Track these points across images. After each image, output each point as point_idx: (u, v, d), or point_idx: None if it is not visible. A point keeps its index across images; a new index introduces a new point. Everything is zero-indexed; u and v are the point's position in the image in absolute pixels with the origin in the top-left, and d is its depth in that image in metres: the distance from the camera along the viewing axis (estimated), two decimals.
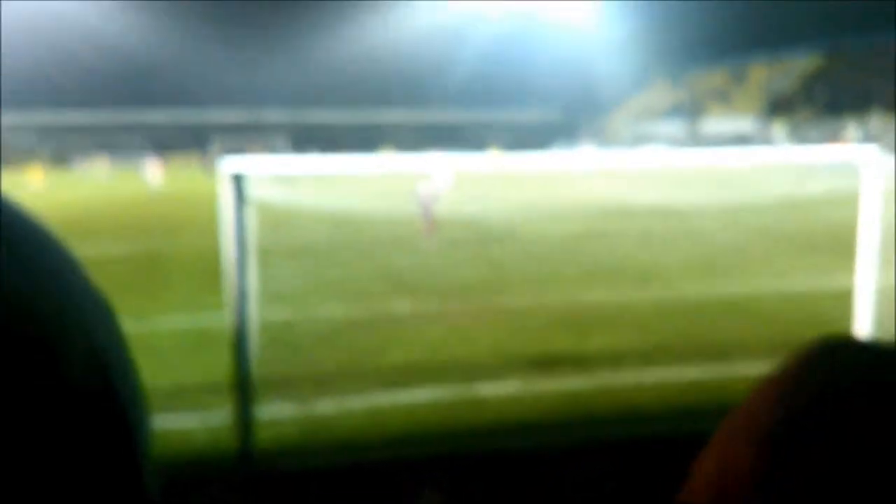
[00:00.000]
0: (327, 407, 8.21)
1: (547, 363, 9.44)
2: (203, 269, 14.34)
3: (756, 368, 9.02)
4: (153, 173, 46.25)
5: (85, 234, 21.41)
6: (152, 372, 8.76)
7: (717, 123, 73.40)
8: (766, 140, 62.80)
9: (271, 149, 75.01)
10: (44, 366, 0.37)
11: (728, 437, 0.63)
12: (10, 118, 76.25)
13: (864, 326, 6.54)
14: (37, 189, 40.60)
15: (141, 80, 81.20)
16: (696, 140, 69.73)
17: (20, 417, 0.35)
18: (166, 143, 76.32)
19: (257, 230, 7.56)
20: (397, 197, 21.92)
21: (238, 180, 7.13)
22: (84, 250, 18.48)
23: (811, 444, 0.57)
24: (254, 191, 7.37)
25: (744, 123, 70.21)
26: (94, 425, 0.39)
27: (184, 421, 7.63)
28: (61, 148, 74.51)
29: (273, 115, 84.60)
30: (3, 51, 74.42)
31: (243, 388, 7.01)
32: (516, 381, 8.82)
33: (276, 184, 15.86)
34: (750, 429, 0.61)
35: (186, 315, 11.83)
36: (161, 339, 10.46)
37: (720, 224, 19.18)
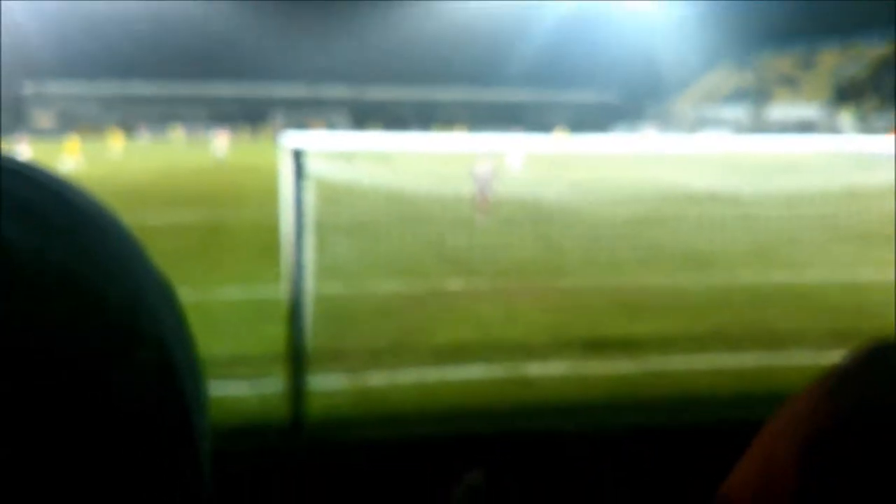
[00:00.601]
0: (378, 380, 8.34)
1: (598, 346, 9.45)
2: (262, 242, 14.57)
3: (809, 358, 8.94)
4: (220, 145, 47.12)
5: (153, 203, 21.84)
6: (210, 340, 8.99)
7: (782, 109, 71.98)
8: (832, 128, 61.46)
9: (331, 124, 75.44)
10: (115, 356, 0.37)
11: (773, 436, 0.62)
12: (77, 88, 77.83)
13: None
14: (116, 156, 41.39)
15: (205, 54, 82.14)
16: (761, 126, 68.46)
17: (90, 405, 0.35)
18: (228, 115, 77.20)
19: (315, 205, 7.69)
20: (456, 176, 21.96)
21: (298, 155, 7.26)
22: (151, 219, 18.90)
23: (857, 449, 0.56)
24: (313, 166, 7.50)
25: (810, 110, 68.76)
26: (159, 414, 0.39)
27: (238, 389, 7.81)
28: (126, 119, 75.86)
29: (334, 90, 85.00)
30: (70, 22, 75.89)
31: (297, 359, 7.15)
32: (565, 362, 8.85)
33: (335, 159, 15.98)
34: (796, 429, 0.60)
35: (245, 286, 12.05)
36: (220, 309, 10.69)
37: (780, 212, 18.88)
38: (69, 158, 38.29)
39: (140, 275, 0.42)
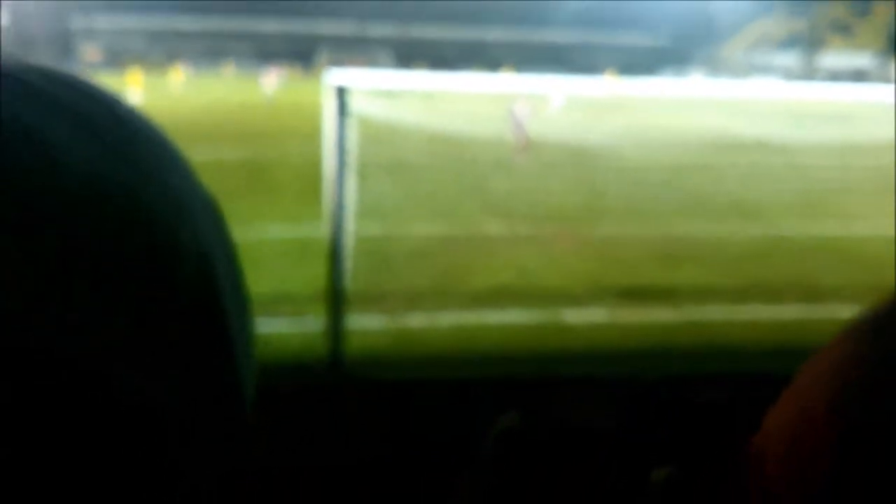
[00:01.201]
0: (416, 321, 8.43)
1: (637, 294, 9.43)
2: (306, 179, 14.65)
3: (852, 312, 8.84)
4: (269, 82, 47.31)
5: (202, 138, 21.99)
6: (252, 278, 9.09)
7: (835, 57, 70.25)
8: (885, 78, 59.93)
9: (375, 63, 75.02)
10: (155, 267, 0.37)
11: (805, 387, 0.61)
12: (125, 22, 78.03)
13: None
14: (175, 90, 41.88)
15: None
16: (812, 73, 66.97)
17: (129, 314, 0.36)
18: (275, 52, 77.05)
19: (358, 144, 7.71)
20: (499, 117, 21.83)
21: (341, 93, 7.25)
22: (199, 154, 18.98)
23: (890, 398, 0.53)
24: (356, 104, 7.49)
25: (864, 59, 67.05)
26: (198, 334, 0.40)
27: (280, 325, 7.93)
28: (173, 53, 76.05)
29: (379, 28, 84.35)
30: None
31: (336, 299, 7.24)
32: (603, 309, 8.86)
33: (378, 98, 15.94)
34: (829, 379, 0.58)
35: (287, 225, 12.15)
36: (262, 247, 10.81)
37: (829, 161, 18.58)
38: (134, 90, 38.44)
39: (187, 191, 0.43)
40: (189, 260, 0.40)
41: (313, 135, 15.72)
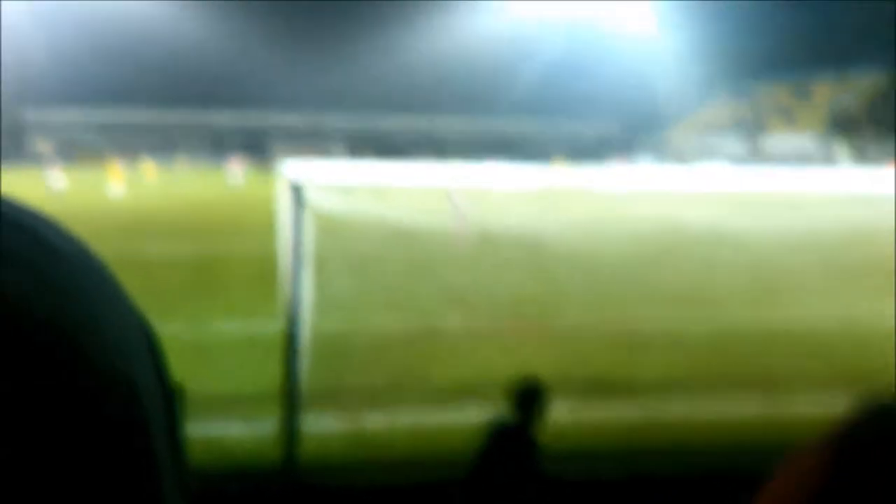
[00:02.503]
0: (374, 421, 8.23)
1: (597, 388, 9.35)
2: (259, 274, 14.49)
3: (811, 402, 8.83)
4: (234, 172, 51.09)
5: (161, 232, 21.83)
6: (203, 378, 8.87)
7: (779, 141, 72.32)
8: (828, 159, 61.70)
9: (329, 153, 75.59)
10: (78, 402, 0.37)
11: (776, 496, 0.61)
12: (77, 115, 78.03)
13: None
14: (151, 185, 41.98)
15: (203, 82, 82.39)
16: (758, 157, 68.74)
17: (57, 451, 0.35)
18: (226, 143, 77.37)
19: (313, 237, 7.62)
20: (450, 208, 21.99)
21: (297, 189, 7.20)
22: (154, 248, 18.85)
23: None
24: (311, 196, 7.43)
25: (806, 141, 69.11)
26: (121, 467, 0.39)
27: (232, 428, 7.69)
28: (124, 145, 76.02)
29: (332, 119, 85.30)
30: (67, 46, 76.28)
31: (291, 399, 7.05)
32: (565, 404, 8.73)
33: (332, 190, 15.95)
34: (800, 491, 0.59)
35: (241, 321, 11.95)
36: (215, 345, 10.59)
37: (779, 249, 18.87)
38: (116, 184, 38.84)
39: (115, 316, 0.42)
40: (114, 389, 0.39)
41: (264, 227, 15.72)
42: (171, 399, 0.46)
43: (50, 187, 36.15)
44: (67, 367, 0.37)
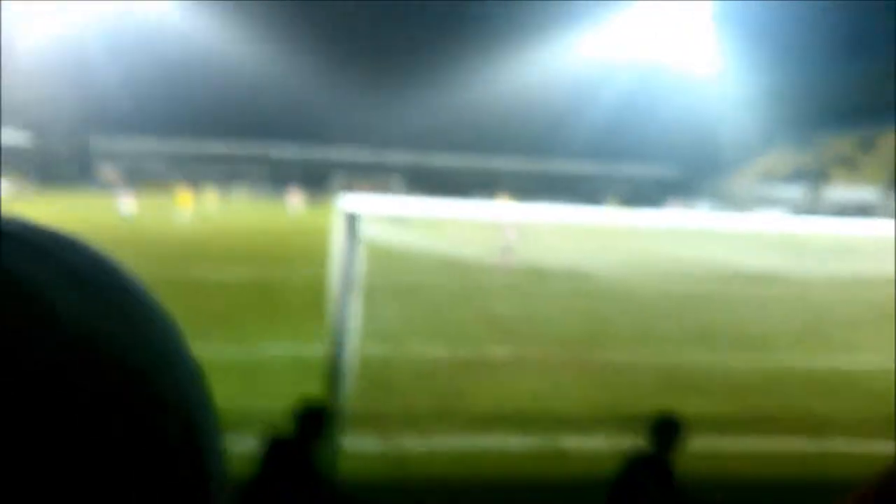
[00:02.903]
0: (414, 445, 8.32)
1: (638, 423, 9.31)
2: (313, 301, 14.73)
3: (859, 447, 8.72)
4: (294, 202, 53.82)
5: (224, 258, 22.25)
6: (251, 395, 9.06)
7: (841, 191, 71.18)
8: (889, 212, 60.53)
9: (388, 188, 76.31)
10: (140, 414, 0.40)
11: None
12: (143, 145, 79.99)
13: None
14: (213, 212, 42.99)
15: (267, 115, 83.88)
16: (818, 207, 67.69)
17: (115, 460, 0.38)
18: (288, 175, 78.51)
19: (366, 266, 7.79)
20: (501, 244, 22.12)
21: (352, 219, 7.38)
22: (213, 272, 19.23)
23: None
24: (367, 229, 7.61)
25: (869, 193, 67.93)
26: (181, 486, 0.42)
27: None
28: (187, 174, 77.78)
29: (392, 155, 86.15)
30: (134, 77, 78.32)
31: (333, 421, 7.19)
32: (604, 437, 8.74)
33: (387, 223, 16.19)
34: None
35: (291, 343, 12.15)
36: (265, 365, 10.79)
37: (834, 296, 18.61)
38: (184, 210, 40.91)
39: (171, 349, 0.45)
40: (172, 410, 0.42)
41: (319, 256, 16.01)
42: (217, 426, 0.49)
43: (121, 213, 37.95)
44: (129, 380, 0.40)
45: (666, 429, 5.62)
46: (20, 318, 0.36)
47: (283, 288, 18.09)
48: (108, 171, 76.67)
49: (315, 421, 5.61)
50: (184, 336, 0.48)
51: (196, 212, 42.54)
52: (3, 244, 0.39)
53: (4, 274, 0.37)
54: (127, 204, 38.88)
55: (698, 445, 8.82)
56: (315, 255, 22.78)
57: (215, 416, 0.49)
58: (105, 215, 36.81)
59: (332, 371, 7.31)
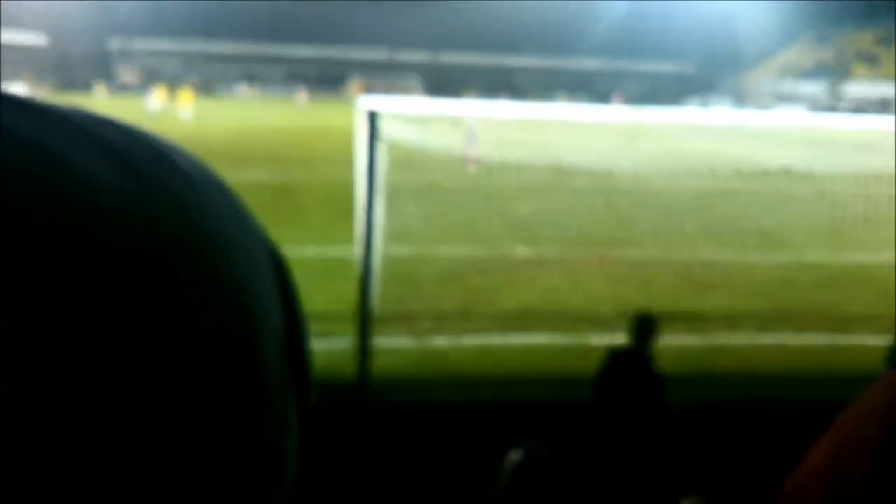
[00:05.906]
0: (442, 343, 8.52)
1: (662, 318, 9.46)
2: (336, 201, 14.82)
3: (879, 341, 8.85)
4: (301, 99, 58.04)
5: (234, 161, 22.30)
6: None
7: (861, 86, 70.02)
8: None
9: (405, 88, 75.59)
10: (182, 289, 0.35)
11: (851, 426, 0.62)
12: (160, 45, 79.17)
13: None
14: (188, 115, 42.88)
15: (284, 16, 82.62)
16: (838, 103, 66.75)
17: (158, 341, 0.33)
18: (304, 76, 77.85)
19: (387, 167, 7.84)
20: (525, 143, 22.02)
21: (373, 118, 7.40)
22: (234, 176, 19.28)
23: None
24: (387, 129, 7.63)
25: (889, 88, 66.81)
26: (224, 381, 0.37)
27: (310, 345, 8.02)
28: (205, 76, 77.18)
29: (409, 55, 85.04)
30: None
31: (365, 319, 7.36)
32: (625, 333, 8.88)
33: (407, 123, 16.13)
34: (879, 414, 0.59)
35: (317, 246, 12.28)
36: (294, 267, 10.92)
37: (855, 191, 18.52)
38: (185, 108, 42.26)
39: (233, 232, 0.41)
40: (224, 291, 0.37)
41: (342, 157, 16.03)
42: (297, 321, 0.45)
43: (147, 111, 41.78)
44: (191, 286, 0.36)
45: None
46: (44, 186, 0.32)
47: (300, 189, 18.18)
48: (127, 71, 76.21)
49: (648, 328, 6.01)
50: (251, 216, 0.44)
51: (204, 111, 43.39)
52: (41, 120, 0.36)
53: (42, 147, 0.34)
54: (154, 101, 43.07)
55: (720, 340, 9.00)
56: (316, 156, 22.83)
57: (294, 306, 0.45)
58: (131, 113, 37.17)
59: (362, 271, 7.44)
